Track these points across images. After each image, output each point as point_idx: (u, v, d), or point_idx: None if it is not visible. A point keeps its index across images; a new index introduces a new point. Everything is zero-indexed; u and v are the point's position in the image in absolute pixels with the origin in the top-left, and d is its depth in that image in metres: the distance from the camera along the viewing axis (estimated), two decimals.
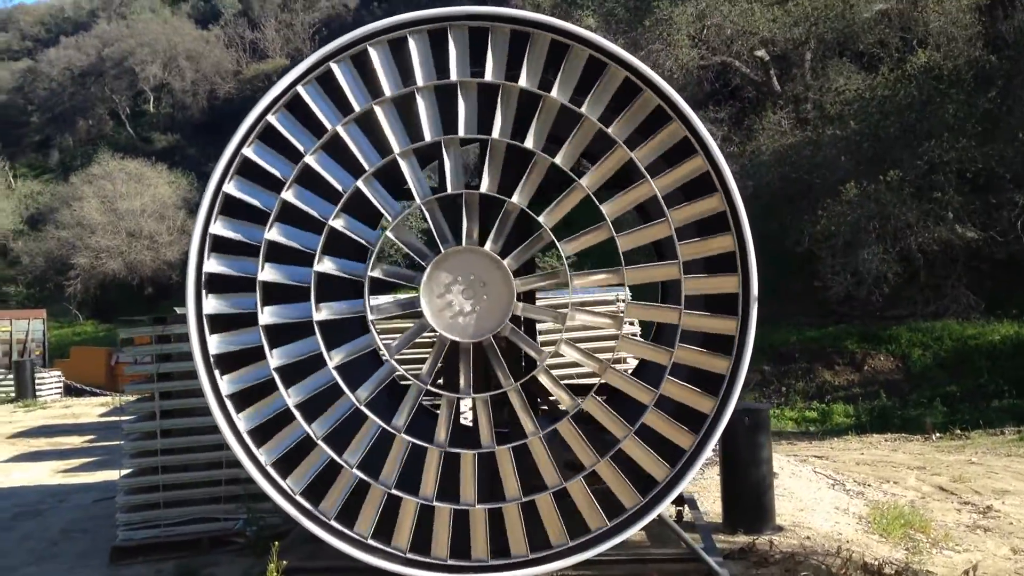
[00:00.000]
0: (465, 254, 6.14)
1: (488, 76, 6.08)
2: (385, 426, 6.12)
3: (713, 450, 10.06)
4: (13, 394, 23.61)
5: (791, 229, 22.68)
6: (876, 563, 6.84)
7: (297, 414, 6.16)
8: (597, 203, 6.13)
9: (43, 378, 24.26)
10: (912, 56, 21.92)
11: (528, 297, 7.21)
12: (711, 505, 8.85)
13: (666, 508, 7.77)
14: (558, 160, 6.09)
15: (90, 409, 20.75)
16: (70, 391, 24.74)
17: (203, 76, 57.63)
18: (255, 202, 6.19)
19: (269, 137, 6.25)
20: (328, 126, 6.15)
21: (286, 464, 6.29)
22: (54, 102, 62.69)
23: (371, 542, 6.28)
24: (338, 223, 6.12)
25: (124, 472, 8.45)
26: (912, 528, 8.92)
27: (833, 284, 20.69)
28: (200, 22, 66.80)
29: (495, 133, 6.08)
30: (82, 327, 41.46)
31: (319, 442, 6.16)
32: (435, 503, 6.18)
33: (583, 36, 6.08)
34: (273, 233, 6.18)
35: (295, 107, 6.25)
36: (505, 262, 6.11)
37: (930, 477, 12.29)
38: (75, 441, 15.97)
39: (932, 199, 19.63)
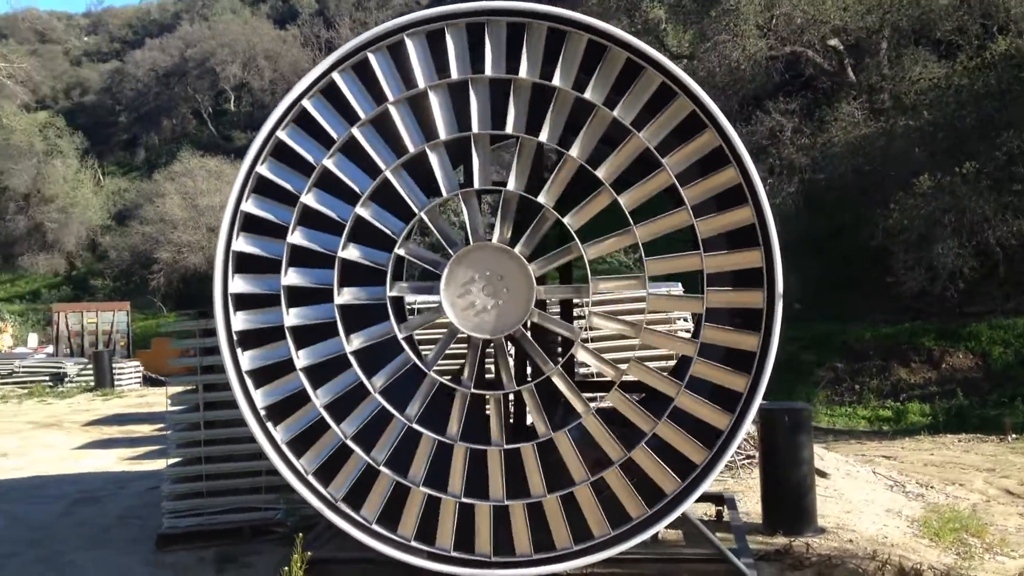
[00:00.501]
0: (484, 251, 6.14)
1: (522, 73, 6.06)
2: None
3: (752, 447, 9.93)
4: (92, 383, 24.44)
5: (864, 223, 22.13)
6: (915, 568, 6.61)
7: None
8: (615, 196, 6.05)
9: (122, 368, 25.04)
10: (992, 43, 21.12)
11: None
12: (754, 506, 8.68)
13: (702, 506, 7.76)
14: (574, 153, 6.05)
15: (164, 399, 21.12)
16: (148, 381, 25.48)
17: (281, 75, 58.65)
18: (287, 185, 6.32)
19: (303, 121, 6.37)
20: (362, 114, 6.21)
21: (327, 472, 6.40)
22: (140, 102, 64.56)
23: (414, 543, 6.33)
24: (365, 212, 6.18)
25: (170, 461, 8.66)
26: (967, 532, 8.63)
27: (906, 279, 20.08)
28: (278, 22, 68.02)
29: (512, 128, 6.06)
30: (165, 319, 42.69)
31: (382, 468, 6.24)
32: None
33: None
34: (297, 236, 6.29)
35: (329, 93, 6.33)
36: (517, 249, 6.09)
37: (998, 480, 11.88)
38: (145, 429, 16.41)
39: (1011, 191, 18.92)
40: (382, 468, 6.24)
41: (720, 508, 8.26)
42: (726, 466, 9.96)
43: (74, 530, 9.34)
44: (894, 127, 21.39)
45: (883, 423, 19.02)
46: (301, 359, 6.32)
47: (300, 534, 6.46)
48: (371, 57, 6.23)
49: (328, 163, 6.26)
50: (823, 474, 10.02)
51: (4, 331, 35.93)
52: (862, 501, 9.30)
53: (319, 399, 6.27)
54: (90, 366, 25.29)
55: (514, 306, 6.15)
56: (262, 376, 6.43)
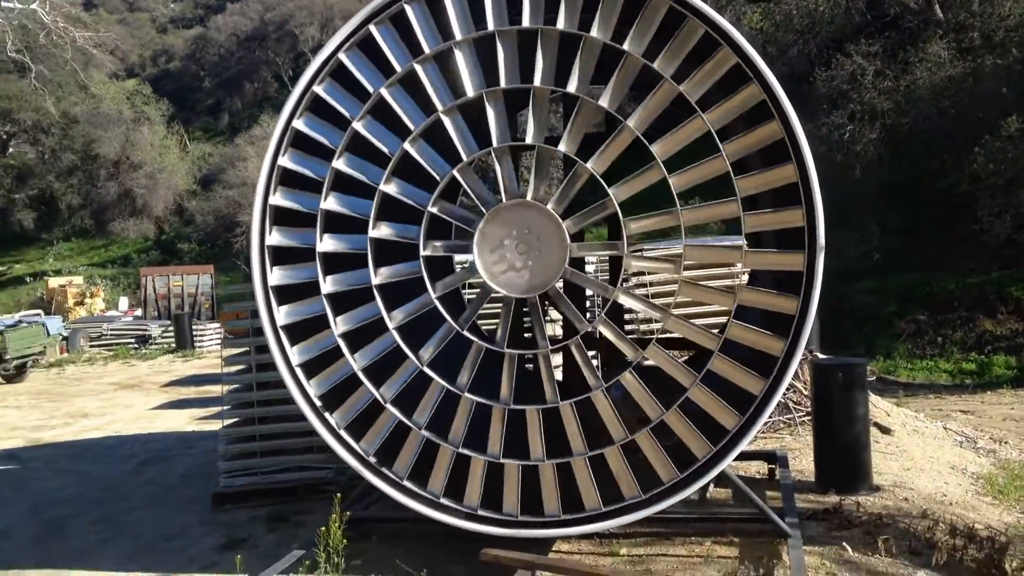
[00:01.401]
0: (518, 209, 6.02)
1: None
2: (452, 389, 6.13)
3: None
4: (174, 344, 25.14)
5: (950, 168, 21.26)
6: (967, 526, 6.36)
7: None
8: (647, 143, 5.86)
9: (203, 329, 25.70)
10: None
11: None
12: (810, 464, 8.45)
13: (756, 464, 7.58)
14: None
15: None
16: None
17: None
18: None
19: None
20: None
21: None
22: (223, 67, 65.47)
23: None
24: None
25: (226, 422, 8.84)
26: None
27: (993, 226, 19.25)
28: None
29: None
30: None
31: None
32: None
33: None
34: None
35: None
36: (550, 206, 5.96)
37: None
38: (218, 390, 16.74)
39: None
40: (423, 431, 6.24)
41: (773, 466, 8.07)
42: (785, 423, 9.79)
43: (139, 489, 9.65)
44: (981, 66, 20.36)
45: (966, 376, 18.42)
46: (339, 326, 6.35)
47: (339, 494, 6.55)
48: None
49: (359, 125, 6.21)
50: (886, 430, 9.73)
51: (96, 295, 37.18)
52: (925, 458, 8.99)
53: (356, 362, 6.30)
54: (172, 328, 26.01)
55: (548, 264, 6.04)
56: (299, 333, 6.48)
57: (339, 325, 6.36)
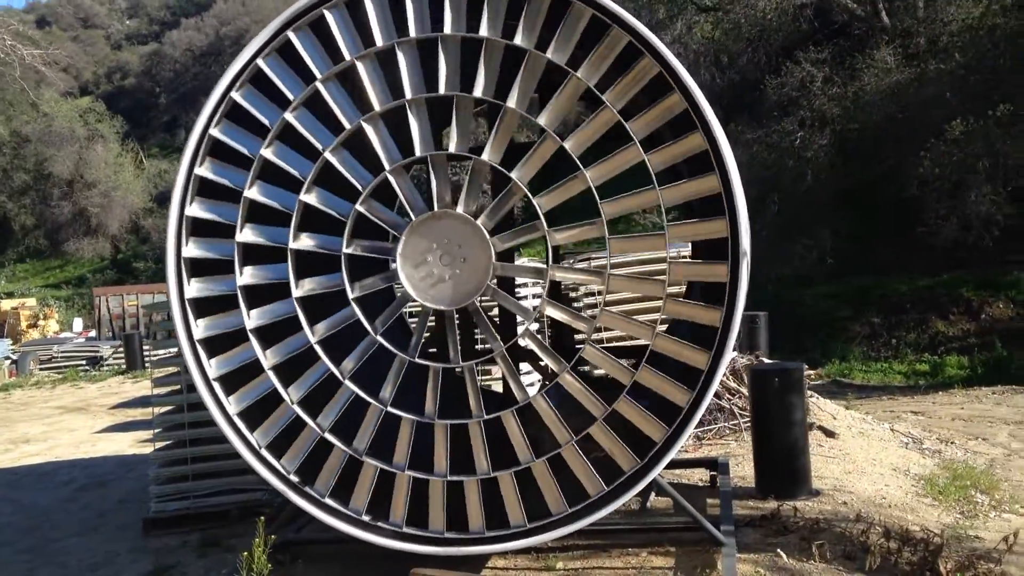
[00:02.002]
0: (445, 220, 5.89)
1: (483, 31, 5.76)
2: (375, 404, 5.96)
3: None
4: (124, 366, 24.69)
5: (899, 173, 21.46)
6: (902, 529, 6.31)
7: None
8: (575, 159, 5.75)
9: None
10: None
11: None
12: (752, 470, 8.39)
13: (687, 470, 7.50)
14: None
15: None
16: None
17: None
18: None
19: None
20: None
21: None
22: (179, 83, 65.01)
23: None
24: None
25: (157, 445, 8.63)
26: (976, 489, 8.30)
27: (940, 229, 19.43)
28: None
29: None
30: None
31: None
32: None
33: None
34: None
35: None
36: (480, 221, 5.83)
37: None
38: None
39: None
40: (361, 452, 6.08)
41: (714, 473, 8.00)
42: (731, 428, 9.75)
43: (73, 515, 9.40)
44: (926, 72, 20.60)
45: (920, 377, 18.56)
46: (253, 320, 6.18)
47: (262, 517, 6.39)
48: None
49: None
50: (830, 433, 9.72)
51: (50, 317, 36.59)
52: (868, 460, 8.98)
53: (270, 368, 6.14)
54: (123, 349, 25.57)
55: (470, 279, 5.91)
56: (216, 345, 6.31)
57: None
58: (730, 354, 5.79)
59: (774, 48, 24.87)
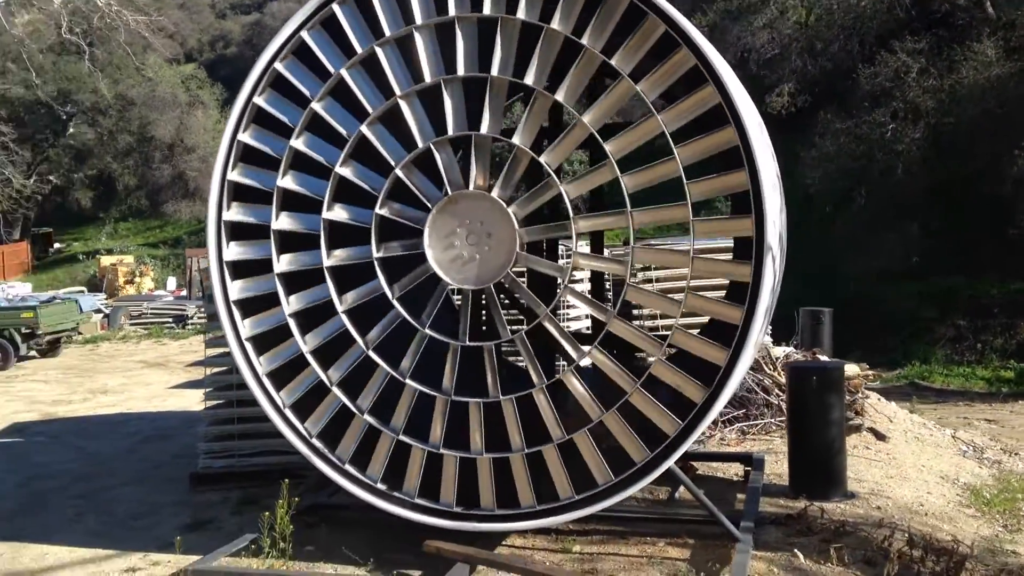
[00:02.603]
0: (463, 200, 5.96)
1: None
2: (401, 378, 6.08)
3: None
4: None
5: (993, 170, 20.67)
6: (926, 537, 6.16)
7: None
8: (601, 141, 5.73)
9: None
10: None
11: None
12: None
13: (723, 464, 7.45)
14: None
15: None
16: None
17: None
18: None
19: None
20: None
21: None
22: None
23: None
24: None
25: (208, 404, 8.92)
26: None
27: None
28: None
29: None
30: None
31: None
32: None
33: None
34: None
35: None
36: (494, 193, 5.89)
37: None
38: None
39: None
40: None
41: (748, 469, 7.92)
42: (778, 425, 9.61)
43: (130, 466, 9.81)
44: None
45: (1003, 384, 17.92)
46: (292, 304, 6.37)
47: (286, 479, 6.58)
48: None
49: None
50: (881, 436, 9.50)
51: (146, 274, 37.93)
52: (916, 466, 8.75)
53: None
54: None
55: (500, 252, 5.96)
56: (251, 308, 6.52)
57: (291, 304, 6.38)
58: (752, 351, 5.71)
59: (868, 36, 24.09)
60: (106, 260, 39.23)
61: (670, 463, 5.84)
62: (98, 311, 26.80)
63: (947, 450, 10.03)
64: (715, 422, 9.54)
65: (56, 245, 51.40)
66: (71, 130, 51.91)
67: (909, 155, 22.18)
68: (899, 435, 9.93)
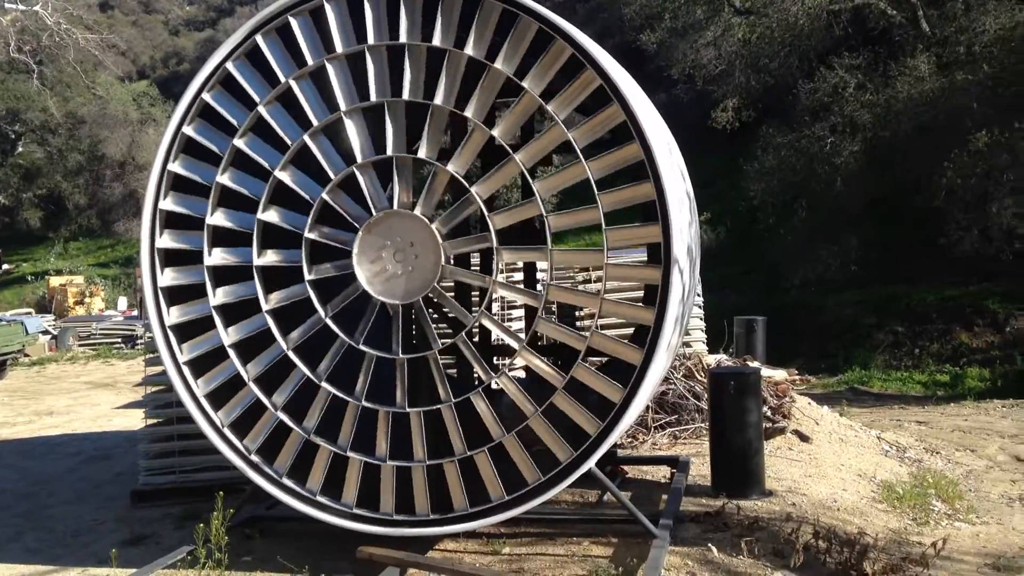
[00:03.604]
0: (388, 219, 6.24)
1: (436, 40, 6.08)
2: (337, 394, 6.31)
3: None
4: None
5: (926, 182, 21.33)
6: (831, 531, 6.50)
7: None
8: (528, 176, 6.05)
9: None
10: None
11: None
12: None
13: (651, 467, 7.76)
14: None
15: None
16: None
17: None
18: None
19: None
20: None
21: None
22: None
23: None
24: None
25: (148, 421, 9.07)
26: (939, 498, 8.43)
27: (960, 241, 19.33)
28: None
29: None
30: None
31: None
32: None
33: None
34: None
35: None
36: (417, 211, 6.18)
37: (1015, 446, 11.53)
38: None
39: None
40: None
41: (674, 471, 8.24)
42: (707, 430, 9.94)
43: (72, 485, 9.91)
44: (955, 81, 20.44)
45: (939, 388, 18.52)
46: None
47: (220, 492, 6.76)
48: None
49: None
50: (805, 438, 9.88)
51: (96, 294, 37.66)
52: (835, 465, 9.13)
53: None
54: None
55: (425, 267, 6.24)
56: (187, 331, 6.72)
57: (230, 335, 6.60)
58: (664, 353, 6.02)
59: (807, 53, 24.76)
60: (55, 281, 38.92)
61: (592, 462, 6.12)
62: (45, 332, 26.63)
63: (870, 450, 10.45)
64: (648, 428, 9.89)
65: (5, 266, 50.73)
66: (20, 149, 51.52)
67: (847, 168, 22.81)
68: (823, 436, 10.32)
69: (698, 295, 12.13)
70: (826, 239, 22.96)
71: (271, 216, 6.42)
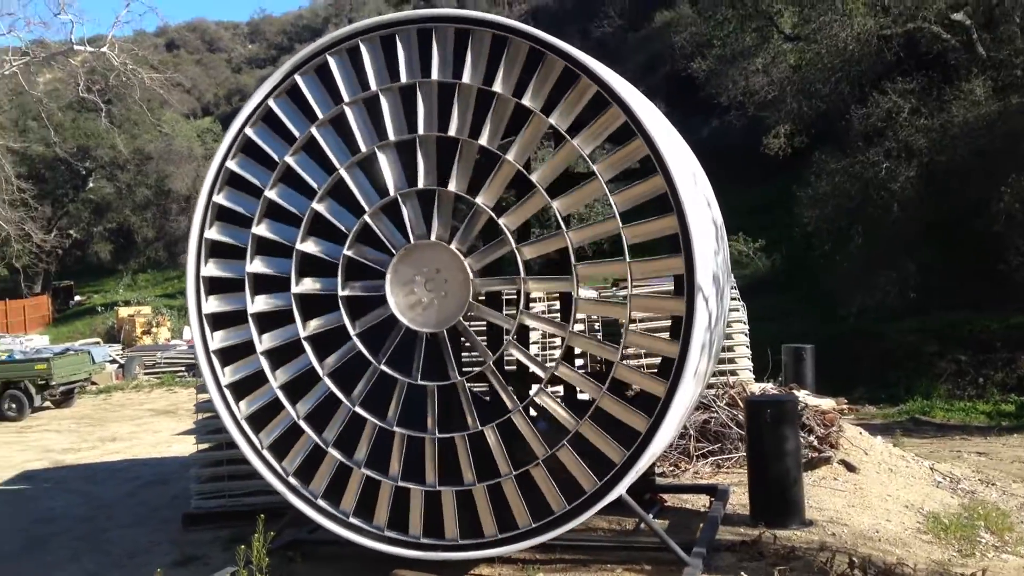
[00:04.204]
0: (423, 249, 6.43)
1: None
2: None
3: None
4: None
5: (984, 207, 21.00)
6: (864, 560, 6.47)
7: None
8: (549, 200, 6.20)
9: None
10: None
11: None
12: None
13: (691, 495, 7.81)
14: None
15: None
16: None
17: None
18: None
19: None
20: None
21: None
22: None
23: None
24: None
25: (200, 447, 9.36)
26: (988, 530, 8.30)
27: (1021, 267, 18.97)
28: None
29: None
30: None
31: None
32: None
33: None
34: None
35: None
36: (453, 245, 6.36)
37: None
38: None
39: None
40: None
41: (712, 499, 8.26)
42: None
43: (130, 509, 10.25)
44: (1009, 105, 20.14)
45: (1004, 418, 18.09)
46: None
47: (262, 515, 6.96)
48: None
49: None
50: (851, 468, 9.78)
51: (163, 324, 38.56)
52: (881, 496, 9.04)
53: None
54: None
55: (454, 299, 6.41)
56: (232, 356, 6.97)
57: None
58: (690, 383, 6.09)
59: (858, 78, 24.60)
60: (124, 311, 39.94)
61: (620, 490, 6.20)
62: (112, 361, 27.38)
63: (920, 481, 10.31)
64: (690, 456, 9.89)
65: (77, 298, 52.29)
66: (90, 185, 53.15)
67: (904, 193, 22.52)
68: (872, 467, 10.21)
69: (744, 322, 12.10)
70: (883, 265, 22.65)
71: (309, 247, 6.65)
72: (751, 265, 29.95)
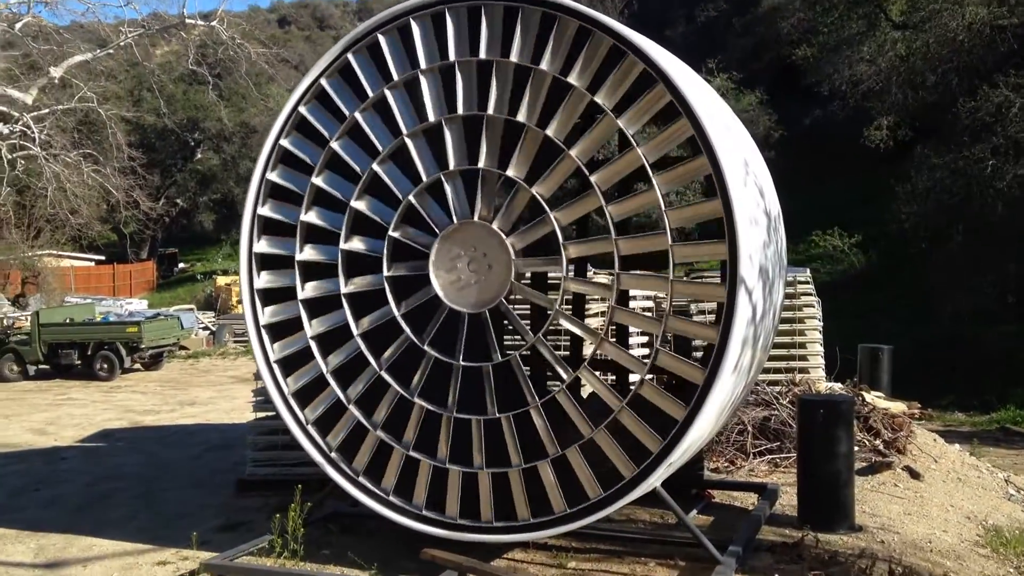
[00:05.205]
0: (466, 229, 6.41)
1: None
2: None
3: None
4: None
5: None
6: (906, 569, 6.20)
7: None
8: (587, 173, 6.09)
9: None
10: None
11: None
12: None
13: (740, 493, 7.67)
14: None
15: None
16: None
17: None
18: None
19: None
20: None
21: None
22: None
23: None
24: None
25: (257, 415, 9.54)
26: None
27: None
28: None
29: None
30: None
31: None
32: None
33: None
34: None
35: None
36: (495, 224, 6.30)
37: None
38: None
39: None
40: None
41: (759, 498, 8.05)
42: None
43: (192, 472, 10.54)
44: None
45: None
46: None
47: (299, 485, 7.07)
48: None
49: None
50: (915, 475, 9.41)
51: None
52: (942, 505, 8.66)
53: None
54: None
55: (496, 279, 6.37)
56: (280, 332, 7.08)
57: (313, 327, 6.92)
58: (729, 374, 5.91)
59: (968, 70, 23.54)
60: (222, 280, 41.15)
61: (655, 480, 6.08)
62: (204, 328, 28.22)
63: (991, 492, 9.84)
64: (747, 453, 9.66)
65: (181, 265, 54.13)
66: (198, 156, 54.78)
67: (1010, 192, 21.52)
68: (939, 475, 9.80)
69: (818, 319, 11.73)
70: (983, 267, 21.72)
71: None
72: (845, 261, 29.11)
